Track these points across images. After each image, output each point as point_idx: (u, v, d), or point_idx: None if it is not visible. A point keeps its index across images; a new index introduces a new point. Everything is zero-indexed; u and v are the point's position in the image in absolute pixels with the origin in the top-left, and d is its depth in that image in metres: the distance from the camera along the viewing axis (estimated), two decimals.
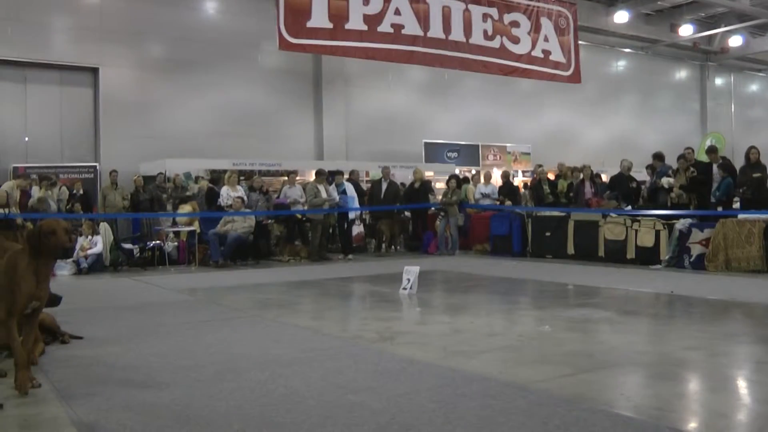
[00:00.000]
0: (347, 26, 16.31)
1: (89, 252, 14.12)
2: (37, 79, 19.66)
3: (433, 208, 18.53)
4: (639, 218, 14.19)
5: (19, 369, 5.10)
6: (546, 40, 19.59)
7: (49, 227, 5.17)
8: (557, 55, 19.83)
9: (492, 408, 4.52)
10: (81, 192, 16.92)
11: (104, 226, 15.02)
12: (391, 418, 4.35)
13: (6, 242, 5.28)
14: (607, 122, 30.42)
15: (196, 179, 18.40)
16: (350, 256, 16.75)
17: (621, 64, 31.88)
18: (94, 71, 20.29)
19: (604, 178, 19.20)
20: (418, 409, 4.55)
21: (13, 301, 5.07)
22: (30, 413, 4.75)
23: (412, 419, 4.33)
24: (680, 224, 13.38)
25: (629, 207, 15.50)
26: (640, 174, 17.50)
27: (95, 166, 19.30)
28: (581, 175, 17.35)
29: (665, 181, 14.94)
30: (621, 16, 27.57)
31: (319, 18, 15.87)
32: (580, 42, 20.70)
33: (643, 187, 16.27)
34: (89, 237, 14.31)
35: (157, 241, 15.75)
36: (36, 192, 15.65)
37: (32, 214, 14.11)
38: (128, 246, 15.44)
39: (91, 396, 5.09)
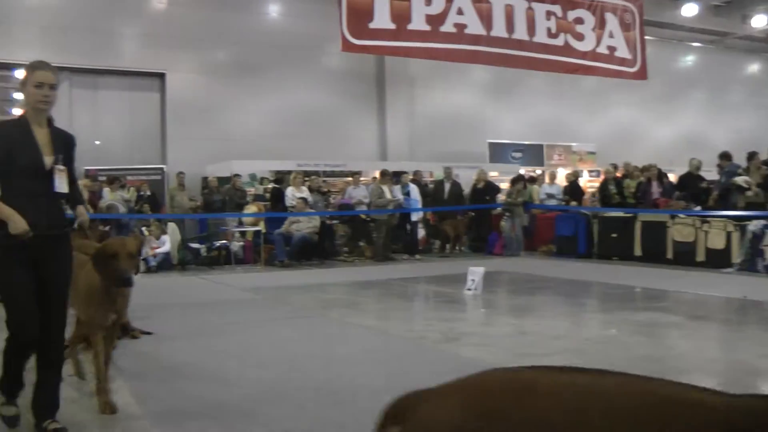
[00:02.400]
0: (410, 27, 16.32)
1: (157, 251, 14.41)
2: (108, 85, 20.19)
3: (497, 209, 18.43)
4: (709, 219, 13.86)
5: (98, 393, 4.84)
6: (611, 36, 19.31)
7: (111, 249, 4.67)
8: (623, 51, 19.53)
9: None
10: (148, 193, 17.27)
11: (172, 226, 15.31)
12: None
13: (79, 240, 5.15)
14: (675, 120, 29.77)
15: (261, 180, 18.62)
16: (417, 256, 16.77)
17: (689, 59, 31.18)
18: (161, 76, 20.70)
19: (672, 177, 18.82)
20: None
21: (93, 316, 4.90)
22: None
23: None
24: (753, 225, 12.95)
25: (699, 207, 15.16)
26: (710, 173, 17.11)
27: (162, 168, 19.67)
28: (648, 175, 17.04)
29: (741, 179, 14.46)
30: (689, 9, 26.92)
31: (382, 19, 15.91)
32: (646, 37, 20.31)
33: (712, 186, 15.89)
34: (157, 237, 14.61)
35: (224, 241, 16.01)
36: (107, 193, 16.01)
37: (103, 214, 14.45)
38: (195, 245, 15.72)
39: (160, 390, 5.21)
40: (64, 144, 4.47)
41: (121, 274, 4.62)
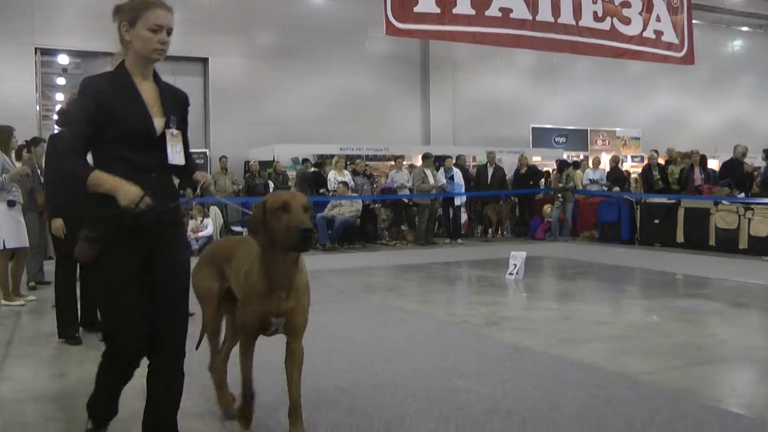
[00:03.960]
0: (455, 11, 16.31)
1: (200, 234, 14.60)
2: None
3: (542, 194, 18.39)
4: (753, 206, 13.72)
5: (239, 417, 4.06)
6: (658, 20, 19.11)
7: (279, 200, 3.43)
8: (670, 36, 19.33)
9: (598, 398, 4.54)
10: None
11: (214, 210, 15.51)
12: (497, 404, 4.43)
13: None
14: (721, 105, 29.29)
15: (303, 161, 18.78)
16: (460, 241, 16.82)
17: (737, 44, 30.63)
18: (204, 61, 20.92)
19: (716, 164, 18.60)
20: (522, 395, 4.61)
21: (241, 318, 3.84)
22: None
23: (517, 406, 4.39)
24: None
25: (743, 194, 15.00)
26: (756, 160, 16.89)
27: (205, 152, 19.90)
28: (691, 161, 16.86)
29: None
30: None
31: (427, 2, 15.93)
32: (693, 21, 20.06)
33: (757, 173, 15.69)
34: (200, 220, 14.80)
35: None
36: None
37: None
38: (238, 229, 15.91)
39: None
40: (178, 103, 3.57)
41: (299, 226, 3.29)
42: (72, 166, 3.28)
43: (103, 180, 3.21)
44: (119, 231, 3.28)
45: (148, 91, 3.43)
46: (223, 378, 4.39)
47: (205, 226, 14.78)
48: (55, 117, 5.85)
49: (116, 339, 3.46)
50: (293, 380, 3.78)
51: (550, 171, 19.97)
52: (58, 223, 6.59)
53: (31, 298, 8.86)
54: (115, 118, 3.27)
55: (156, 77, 3.55)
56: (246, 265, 3.73)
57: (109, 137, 3.29)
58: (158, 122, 3.39)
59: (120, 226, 3.26)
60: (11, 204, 8.35)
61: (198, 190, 3.68)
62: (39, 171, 10.08)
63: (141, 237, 3.35)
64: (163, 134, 3.40)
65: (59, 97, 31.65)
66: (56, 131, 6.08)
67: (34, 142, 10.57)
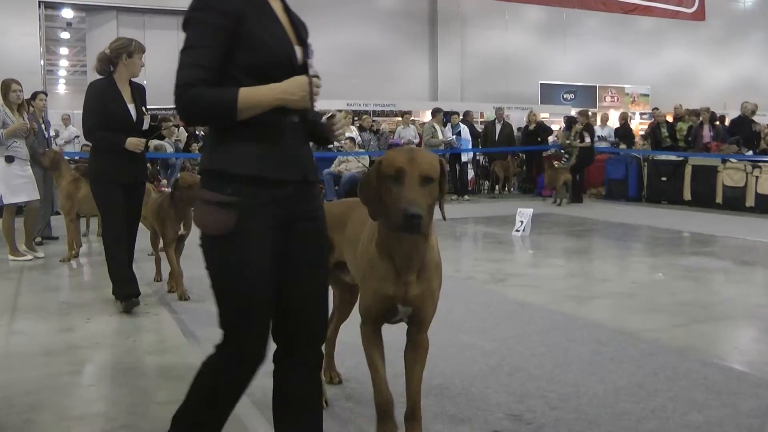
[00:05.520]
0: None
1: None
2: (156, 24, 20.28)
3: (551, 150, 18.31)
4: (760, 164, 13.67)
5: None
6: None
7: (393, 167, 2.67)
8: None
9: (602, 355, 4.58)
10: (202, 133, 17.44)
11: None
12: (502, 360, 4.47)
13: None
14: (732, 62, 29.03)
15: None
16: (466, 197, 16.80)
17: (749, 0, 30.30)
18: None
19: (727, 121, 18.47)
20: (528, 352, 4.65)
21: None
22: (157, 339, 5.23)
23: (522, 362, 4.43)
24: None
25: (750, 152, 14.93)
26: (765, 117, 16.78)
27: None
28: (700, 119, 16.75)
29: None
30: None
31: None
32: None
33: (766, 133, 15.59)
34: None
35: None
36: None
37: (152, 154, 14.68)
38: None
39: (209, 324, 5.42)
40: (306, 34, 2.79)
41: (405, 208, 2.62)
42: (206, 97, 2.41)
43: (258, 94, 2.43)
44: (261, 192, 2.49)
45: (279, 12, 2.67)
46: (330, 354, 4.02)
47: None
48: (94, 62, 5.78)
49: (238, 340, 2.56)
50: (414, 377, 3.15)
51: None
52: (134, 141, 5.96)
53: (40, 254, 8.76)
54: (253, 42, 2.47)
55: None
56: (362, 236, 3.11)
57: (238, 66, 2.47)
58: (298, 50, 2.64)
59: (264, 185, 2.49)
60: (9, 159, 8.22)
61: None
62: (43, 125, 10.02)
63: (283, 201, 2.54)
64: (305, 65, 2.64)
65: (63, 51, 31.52)
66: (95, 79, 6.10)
67: (33, 96, 10.49)
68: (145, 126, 6.13)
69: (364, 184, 2.81)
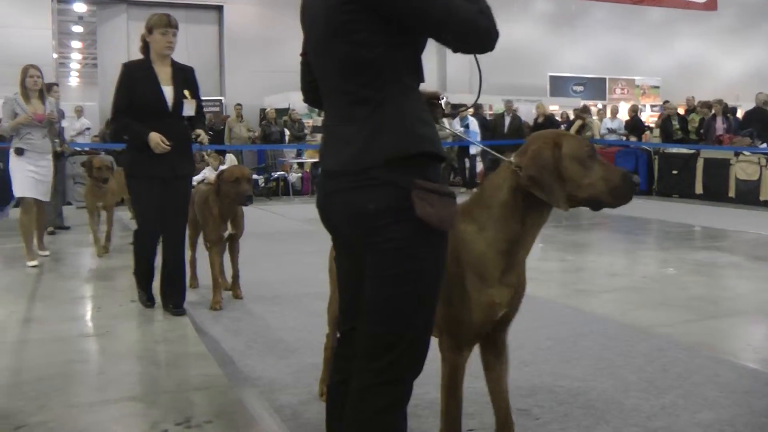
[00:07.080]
0: None
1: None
2: None
3: None
4: None
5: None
6: None
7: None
8: None
9: (611, 350, 4.51)
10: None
11: (230, 157, 15.46)
12: (509, 354, 4.39)
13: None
14: (745, 53, 28.73)
15: (320, 112, 18.67)
16: (475, 190, 16.68)
17: None
18: (219, 9, 20.80)
19: (739, 113, 18.30)
20: (535, 346, 4.59)
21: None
22: (167, 329, 5.24)
23: (530, 356, 4.37)
24: None
25: (765, 145, 14.78)
26: None
27: (221, 100, 19.84)
28: (712, 110, 16.59)
29: None
30: None
31: None
32: None
33: None
34: (216, 168, 14.75)
35: (282, 172, 16.19)
36: None
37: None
38: (254, 176, 15.87)
39: (218, 315, 5.40)
40: None
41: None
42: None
43: None
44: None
45: None
46: None
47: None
48: (140, 44, 5.50)
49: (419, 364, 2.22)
50: (502, 387, 2.81)
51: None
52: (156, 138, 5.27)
53: (45, 253, 8.36)
54: None
55: None
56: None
57: None
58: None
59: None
60: (19, 152, 7.64)
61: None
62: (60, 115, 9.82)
63: None
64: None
65: (75, 44, 31.62)
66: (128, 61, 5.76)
67: (48, 87, 10.31)
68: (189, 112, 5.46)
69: (541, 166, 2.49)
